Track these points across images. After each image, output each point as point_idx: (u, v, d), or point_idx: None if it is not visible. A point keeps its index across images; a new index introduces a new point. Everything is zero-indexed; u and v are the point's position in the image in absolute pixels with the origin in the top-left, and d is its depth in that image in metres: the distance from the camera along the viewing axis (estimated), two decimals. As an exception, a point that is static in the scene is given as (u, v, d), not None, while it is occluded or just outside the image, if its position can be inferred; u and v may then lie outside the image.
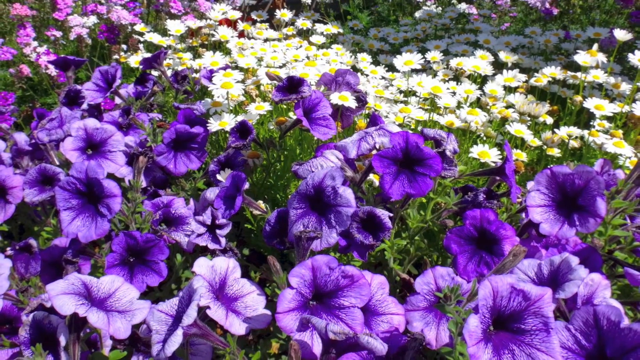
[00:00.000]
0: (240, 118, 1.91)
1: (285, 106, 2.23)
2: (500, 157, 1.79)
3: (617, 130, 1.99)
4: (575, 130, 1.99)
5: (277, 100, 1.78)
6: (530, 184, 1.47)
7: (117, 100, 2.35)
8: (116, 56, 2.88)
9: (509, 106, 2.17)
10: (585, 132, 1.99)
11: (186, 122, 1.98)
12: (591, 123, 2.06)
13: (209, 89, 2.09)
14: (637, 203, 1.39)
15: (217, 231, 1.60)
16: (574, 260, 1.17)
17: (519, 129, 1.99)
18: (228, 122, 1.93)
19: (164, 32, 3.01)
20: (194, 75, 2.41)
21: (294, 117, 1.93)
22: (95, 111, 2.18)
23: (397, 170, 1.43)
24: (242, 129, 1.83)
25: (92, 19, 3.04)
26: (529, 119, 2.09)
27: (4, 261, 1.33)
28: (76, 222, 1.51)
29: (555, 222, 1.36)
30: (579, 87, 2.27)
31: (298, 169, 1.53)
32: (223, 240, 1.61)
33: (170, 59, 2.66)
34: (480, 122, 2.03)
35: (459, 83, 2.27)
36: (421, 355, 1.29)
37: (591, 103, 2.02)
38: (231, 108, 2.11)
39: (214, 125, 1.94)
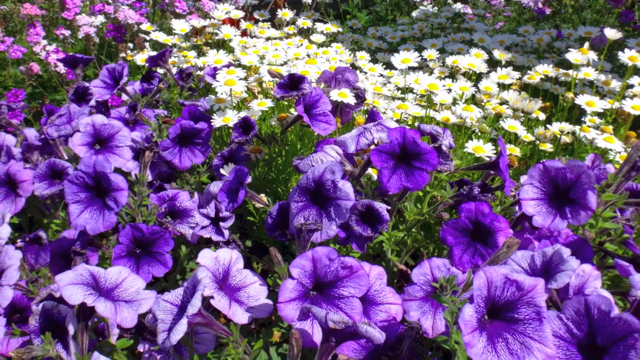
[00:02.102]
0: (243, 114, 1.92)
1: (286, 103, 2.25)
2: (495, 152, 1.81)
3: (607, 126, 2.01)
4: (567, 126, 2.00)
5: (278, 97, 1.78)
6: (523, 178, 1.46)
7: (124, 97, 2.37)
8: (123, 54, 2.90)
9: (503, 103, 2.18)
10: (577, 128, 2.00)
11: (191, 118, 1.99)
12: (582, 119, 2.06)
13: (212, 86, 2.09)
14: (626, 196, 1.39)
15: (221, 223, 1.61)
16: (566, 252, 1.18)
17: (512, 125, 2.01)
18: (231, 118, 1.94)
19: (169, 31, 3.03)
20: (198, 72, 2.41)
21: (295, 114, 1.94)
22: (103, 107, 2.20)
23: (395, 165, 1.44)
24: (244, 125, 1.85)
25: (100, 18, 3.07)
26: (522, 115, 2.10)
27: (15, 253, 1.34)
28: (84, 214, 1.53)
29: (548, 214, 1.36)
30: (570, 84, 2.28)
31: (299, 164, 1.55)
32: (226, 233, 1.61)
33: (175, 57, 2.67)
34: (475, 118, 2.05)
35: (455, 80, 2.29)
36: (418, 343, 1.27)
37: (582, 100, 2.04)
38: (234, 104, 2.12)
39: (217, 121, 1.95)
